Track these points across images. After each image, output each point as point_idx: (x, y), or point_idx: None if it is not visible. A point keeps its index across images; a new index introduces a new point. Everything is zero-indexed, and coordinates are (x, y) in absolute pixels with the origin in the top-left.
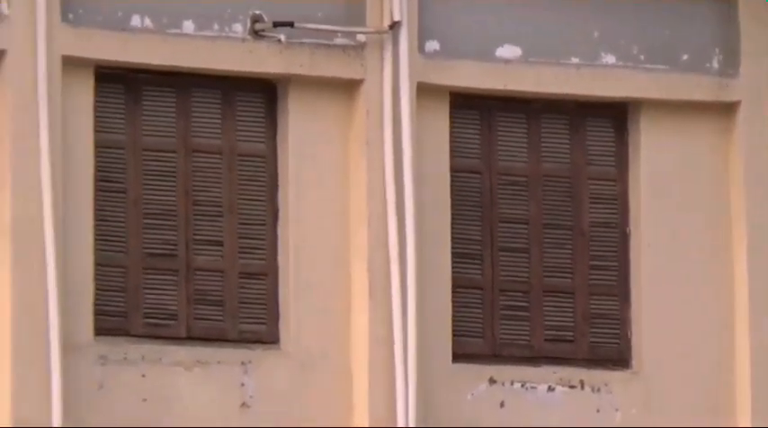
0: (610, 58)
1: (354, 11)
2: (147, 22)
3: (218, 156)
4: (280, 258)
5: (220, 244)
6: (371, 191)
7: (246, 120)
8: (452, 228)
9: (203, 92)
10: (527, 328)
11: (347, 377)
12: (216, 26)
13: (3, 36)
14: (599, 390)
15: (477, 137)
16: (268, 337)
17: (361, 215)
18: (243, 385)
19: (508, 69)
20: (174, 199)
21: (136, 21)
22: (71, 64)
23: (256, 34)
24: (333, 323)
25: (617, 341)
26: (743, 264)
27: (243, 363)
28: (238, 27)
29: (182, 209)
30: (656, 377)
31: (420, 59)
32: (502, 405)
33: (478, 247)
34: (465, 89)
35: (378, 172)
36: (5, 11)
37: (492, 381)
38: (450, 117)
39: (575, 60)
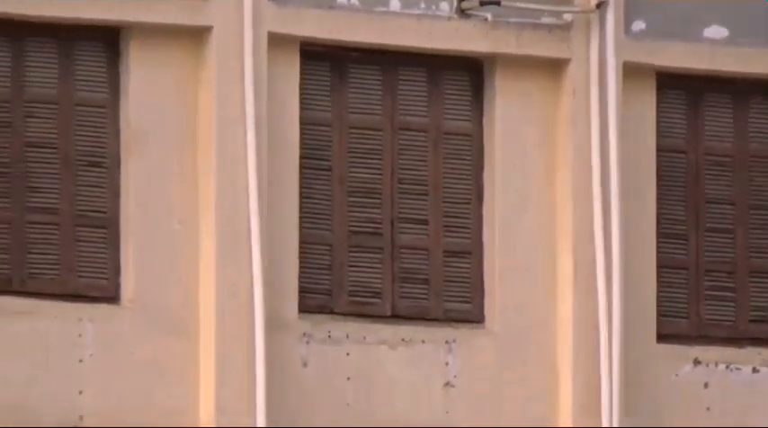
0: None
1: None
2: (354, 0)
3: (423, 134)
4: (485, 237)
5: (425, 222)
6: (576, 171)
7: (452, 99)
8: (658, 208)
9: (409, 70)
10: (732, 309)
11: (551, 357)
12: (423, 4)
13: (210, 13)
14: None
15: (682, 117)
16: (472, 316)
17: (566, 195)
18: (447, 364)
19: (714, 50)
20: (379, 177)
21: None
22: (277, 41)
23: (463, 13)
24: (537, 302)
25: None
26: None
27: (447, 342)
28: (445, 5)
29: (387, 187)
30: None
31: (626, 39)
32: (706, 386)
33: (683, 227)
34: (671, 69)
35: (583, 152)
36: None
37: (696, 362)
38: (657, 97)
39: None
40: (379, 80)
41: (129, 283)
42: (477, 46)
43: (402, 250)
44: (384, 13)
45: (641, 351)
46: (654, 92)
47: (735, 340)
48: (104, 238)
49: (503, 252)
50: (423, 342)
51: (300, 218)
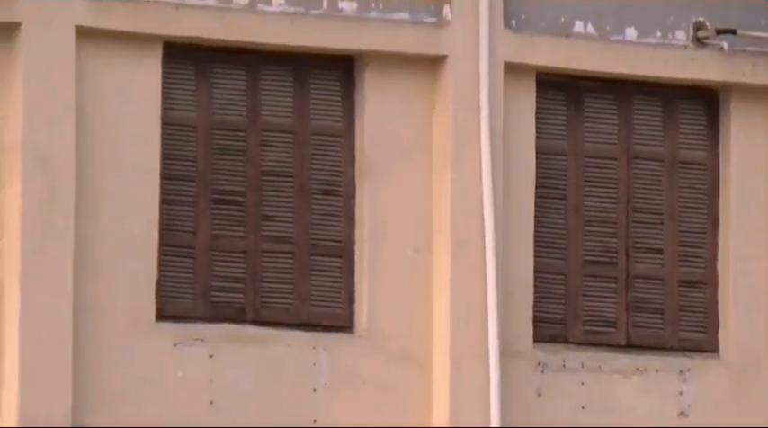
0: None
1: None
2: (590, 28)
3: (658, 163)
4: (719, 266)
5: (660, 252)
6: None
7: (687, 128)
8: None
9: (644, 99)
10: None
11: None
12: (658, 33)
13: (445, 41)
14: None
15: None
16: (707, 346)
17: None
18: (681, 393)
19: None
20: (614, 206)
21: (578, 27)
22: (512, 70)
23: (699, 41)
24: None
25: None
26: None
27: (681, 372)
28: (681, 34)
29: (622, 216)
30: None
31: None
32: None
33: None
34: None
35: None
36: (448, 16)
37: None
38: None
39: None
40: (614, 109)
41: (363, 312)
42: (713, 75)
43: (636, 279)
44: (620, 41)
45: None
46: None
47: None
48: (339, 267)
49: (737, 281)
50: (657, 371)
51: (535, 246)
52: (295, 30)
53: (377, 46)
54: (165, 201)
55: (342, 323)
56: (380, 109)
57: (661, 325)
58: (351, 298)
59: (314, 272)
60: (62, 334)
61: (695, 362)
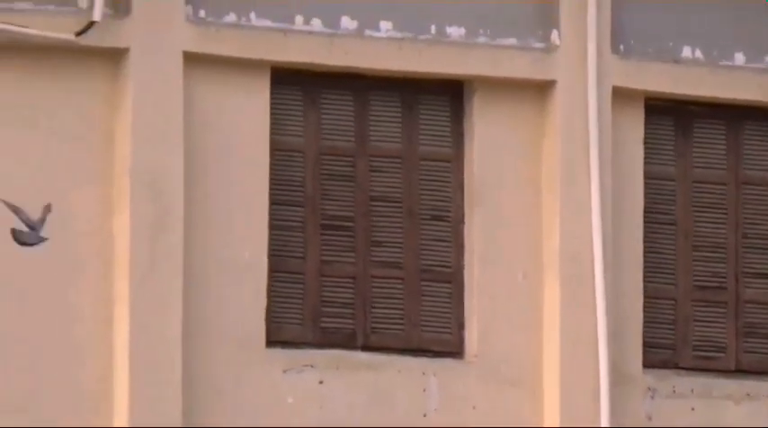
0: None
1: None
2: (698, 53)
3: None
4: None
5: None
6: None
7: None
8: None
9: (753, 124)
10: None
11: None
12: (767, 58)
13: (554, 66)
14: None
15: None
16: None
17: None
18: None
19: None
20: (723, 231)
21: (686, 52)
22: (621, 95)
23: None
24: None
25: None
26: None
27: None
28: None
29: (731, 241)
30: None
31: None
32: None
33: None
34: None
35: None
36: (556, 41)
37: None
38: None
39: None
40: (722, 134)
41: (472, 337)
42: None
43: (746, 304)
44: (729, 67)
45: None
46: None
47: None
48: (448, 292)
49: None
50: (767, 396)
51: (644, 272)
52: (403, 55)
53: (485, 71)
54: (273, 227)
55: (451, 348)
56: (489, 134)
57: None
58: (460, 324)
59: (423, 298)
60: (172, 361)
61: None
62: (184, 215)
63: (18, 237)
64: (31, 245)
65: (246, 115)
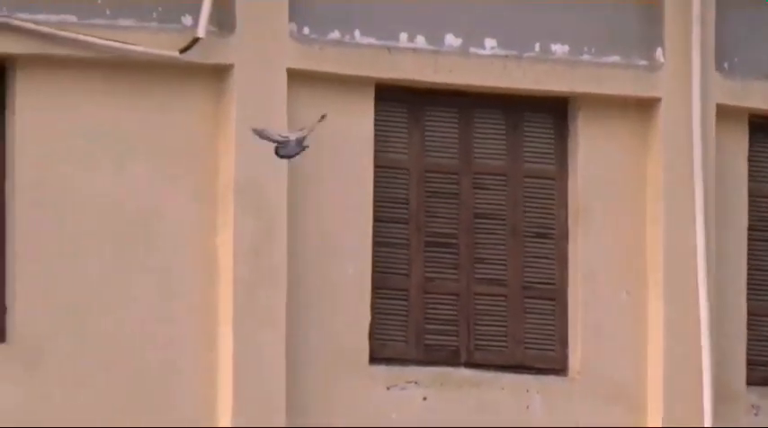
0: None
1: None
2: None
3: None
4: None
5: None
6: None
7: None
8: None
9: None
10: None
11: None
12: None
13: (658, 84)
14: None
15: None
16: None
17: None
18: None
19: None
20: None
21: None
22: (724, 113)
23: None
24: None
25: None
26: None
27: None
28: None
29: None
30: None
31: None
32: None
33: None
34: None
35: None
36: (661, 59)
37: None
38: None
39: None
40: None
41: (576, 354)
42: None
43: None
44: None
45: None
46: None
47: None
48: (551, 309)
49: None
50: None
51: (748, 289)
52: (507, 72)
53: (589, 88)
54: (377, 244)
55: (555, 365)
56: (593, 151)
57: None
58: (564, 341)
59: (527, 315)
60: (276, 378)
61: None
62: (288, 232)
63: (279, 151)
64: (293, 156)
65: (351, 132)
